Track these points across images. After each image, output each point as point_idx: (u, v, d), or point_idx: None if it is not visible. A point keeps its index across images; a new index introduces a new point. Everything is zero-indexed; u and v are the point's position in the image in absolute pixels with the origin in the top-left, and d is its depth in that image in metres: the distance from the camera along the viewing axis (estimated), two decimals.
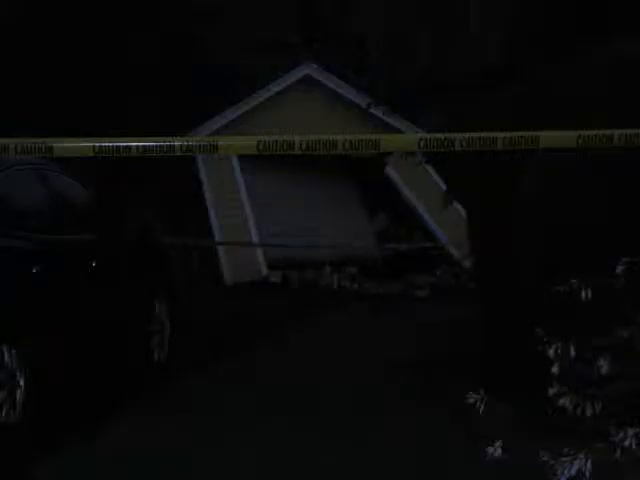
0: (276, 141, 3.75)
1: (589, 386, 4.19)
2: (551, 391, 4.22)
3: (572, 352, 4.19)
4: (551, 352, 4.21)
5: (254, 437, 5.74)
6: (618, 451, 3.86)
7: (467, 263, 11.83)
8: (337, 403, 6.58)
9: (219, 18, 16.39)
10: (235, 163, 15.26)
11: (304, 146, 3.74)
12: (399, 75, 7.51)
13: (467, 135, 3.79)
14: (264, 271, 14.86)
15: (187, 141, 3.86)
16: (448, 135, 3.85)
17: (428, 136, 3.96)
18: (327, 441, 5.62)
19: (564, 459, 3.85)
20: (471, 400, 4.28)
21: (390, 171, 16.05)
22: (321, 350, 8.90)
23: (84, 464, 5.20)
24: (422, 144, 3.88)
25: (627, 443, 3.84)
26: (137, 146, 3.76)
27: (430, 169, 14.64)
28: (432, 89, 7.24)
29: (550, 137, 3.90)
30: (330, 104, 15.66)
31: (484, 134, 3.78)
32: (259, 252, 15.00)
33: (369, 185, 16.57)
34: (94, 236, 6.81)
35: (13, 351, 5.56)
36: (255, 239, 15.11)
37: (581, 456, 3.83)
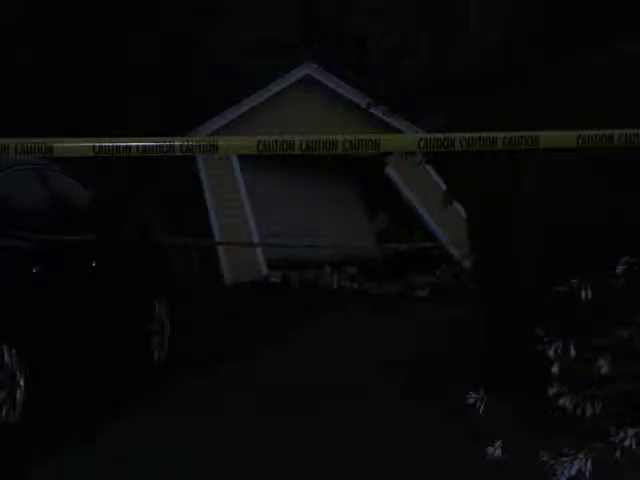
0: (276, 141, 3.75)
1: (589, 386, 4.19)
2: (551, 391, 4.21)
3: (572, 352, 4.19)
4: (551, 352, 4.20)
5: (254, 437, 5.74)
6: (618, 451, 3.86)
7: (467, 263, 11.83)
8: (337, 403, 6.57)
9: (219, 18, 16.39)
10: (235, 163, 15.26)
11: (304, 146, 3.74)
12: (399, 75, 7.51)
13: (467, 135, 3.79)
14: (264, 271, 14.87)
15: (187, 141, 3.86)
16: (448, 135, 3.85)
17: (428, 136, 3.96)
18: (327, 441, 5.62)
19: (564, 459, 3.84)
20: (471, 400, 4.28)
21: (390, 171, 16.05)
22: (321, 350, 8.90)
23: (84, 464, 5.20)
24: (422, 144, 3.88)
25: (627, 443, 3.84)
26: (137, 146, 3.76)
27: (430, 169, 14.64)
28: (432, 89, 7.25)
29: (550, 137, 3.90)
30: (330, 104, 15.66)
31: (484, 134, 3.78)
32: (259, 252, 15.00)
33: (369, 185, 16.58)
34: (94, 236, 6.81)
35: (13, 351, 5.56)
36: (255, 239, 15.11)
37: (581, 456, 3.83)
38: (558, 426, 4.49)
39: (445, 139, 3.83)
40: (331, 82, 15.81)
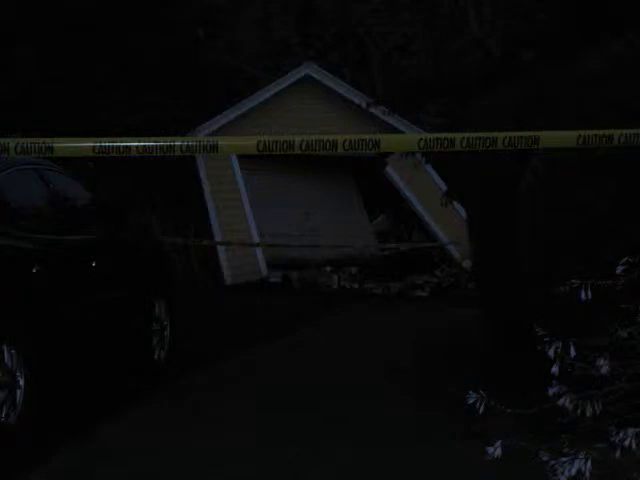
0: (276, 141, 3.75)
1: (589, 386, 4.19)
2: (551, 391, 4.21)
3: (572, 352, 4.19)
4: (551, 352, 4.20)
5: (254, 437, 5.74)
6: (618, 451, 3.86)
7: (467, 263, 11.84)
8: (337, 403, 6.57)
9: (219, 18, 16.40)
10: (235, 163, 15.27)
11: (304, 146, 3.74)
12: (399, 75, 7.51)
13: (467, 135, 3.79)
14: (264, 271, 14.88)
15: (187, 141, 3.87)
16: (448, 135, 3.85)
17: (428, 136, 3.96)
18: (328, 441, 5.62)
19: (564, 459, 3.84)
20: (471, 400, 4.28)
21: (390, 171, 16.06)
22: (321, 350, 8.90)
23: (84, 464, 5.20)
24: (422, 144, 3.87)
25: (627, 443, 3.84)
26: (137, 146, 3.76)
27: (430, 169, 14.66)
28: (432, 89, 7.25)
29: (550, 137, 3.90)
30: (330, 104, 15.67)
31: (484, 134, 3.78)
32: (259, 252, 15.02)
33: (369, 185, 16.59)
34: (94, 236, 6.81)
35: (13, 351, 5.55)
36: (255, 239, 15.12)
37: (581, 456, 3.82)
38: (558, 426, 4.48)
39: (445, 139, 3.83)
40: (331, 82, 15.82)
